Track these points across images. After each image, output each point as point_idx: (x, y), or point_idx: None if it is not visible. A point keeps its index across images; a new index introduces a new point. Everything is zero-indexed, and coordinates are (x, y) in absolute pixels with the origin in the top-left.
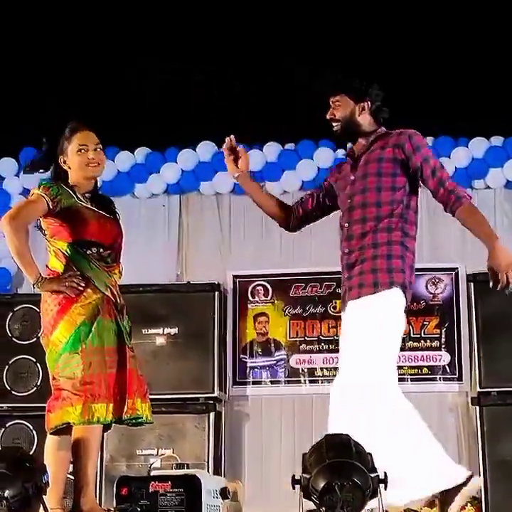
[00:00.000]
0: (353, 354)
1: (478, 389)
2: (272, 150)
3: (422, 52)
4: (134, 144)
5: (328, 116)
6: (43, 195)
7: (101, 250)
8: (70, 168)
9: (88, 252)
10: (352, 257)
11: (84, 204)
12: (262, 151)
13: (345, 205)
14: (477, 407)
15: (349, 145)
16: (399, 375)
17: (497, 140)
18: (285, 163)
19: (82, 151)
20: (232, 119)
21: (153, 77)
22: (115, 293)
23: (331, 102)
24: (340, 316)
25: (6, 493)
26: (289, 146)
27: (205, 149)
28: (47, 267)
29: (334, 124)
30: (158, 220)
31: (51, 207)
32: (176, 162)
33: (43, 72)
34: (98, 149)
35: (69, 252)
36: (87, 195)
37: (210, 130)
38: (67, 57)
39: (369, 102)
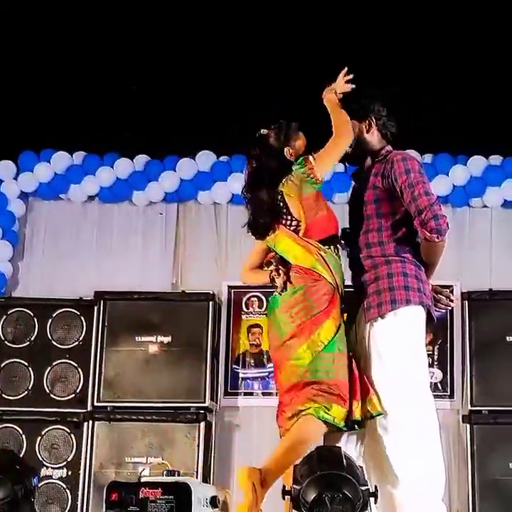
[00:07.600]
0: (397, 386)
1: (470, 407)
2: None
3: (424, 68)
4: (134, 151)
5: None
6: None
7: None
8: None
9: None
10: (365, 276)
11: None
12: None
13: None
14: (468, 425)
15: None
16: None
17: (495, 159)
18: None
19: None
20: (231, 128)
21: (156, 85)
22: None
23: None
24: None
25: None
26: None
27: (205, 158)
28: None
29: None
30: (155, 227)
31: None
32: (175, 171)
33: (43, 74)
34: None
35: None
36: None
37: (210, 139)
38: (68, 62)
39: (373, 118)
